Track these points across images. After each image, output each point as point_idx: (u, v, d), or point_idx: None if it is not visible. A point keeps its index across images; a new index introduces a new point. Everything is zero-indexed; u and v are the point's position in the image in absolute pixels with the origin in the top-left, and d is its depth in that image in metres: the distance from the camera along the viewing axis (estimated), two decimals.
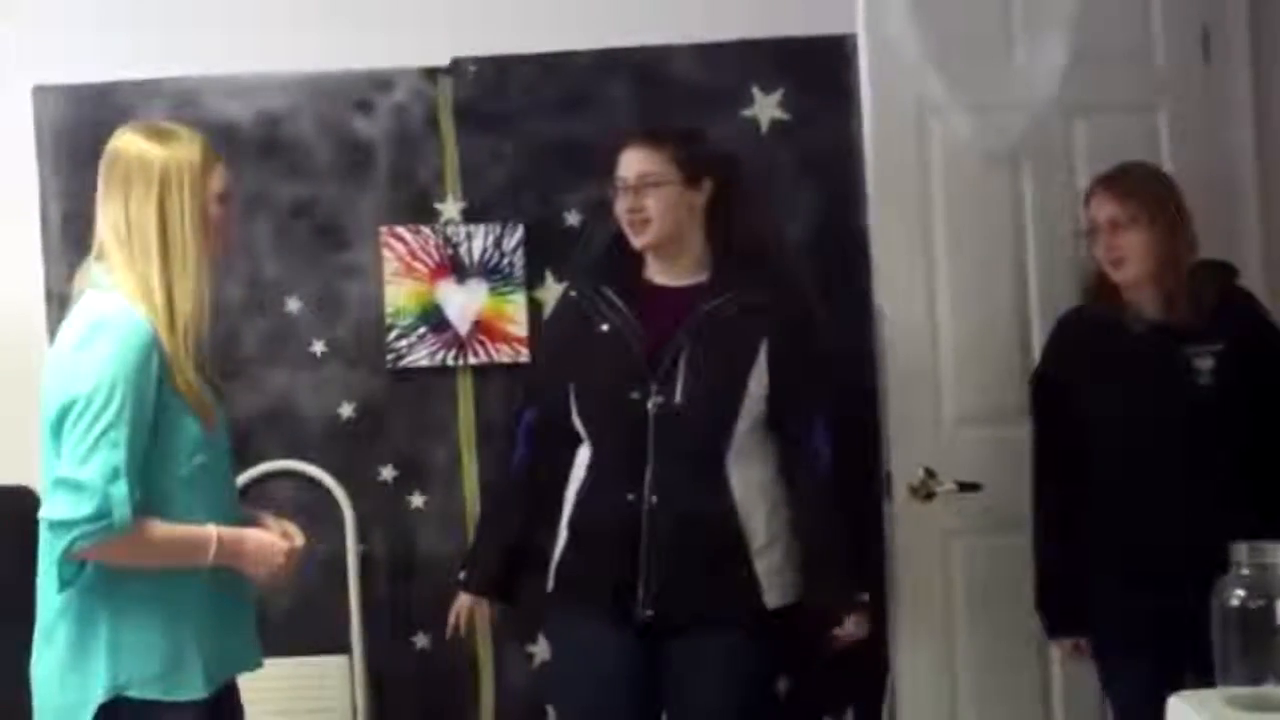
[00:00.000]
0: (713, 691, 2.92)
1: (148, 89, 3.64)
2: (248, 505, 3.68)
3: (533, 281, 3.66)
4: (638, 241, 3.02)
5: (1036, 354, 3.27)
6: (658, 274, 3.06)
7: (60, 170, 3.64)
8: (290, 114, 3.66)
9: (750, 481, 2.94)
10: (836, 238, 3.60)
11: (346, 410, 3.66)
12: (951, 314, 3.27)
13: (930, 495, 3.20)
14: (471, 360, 3.65)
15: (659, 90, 3.66)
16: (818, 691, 3.66)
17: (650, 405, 2.91)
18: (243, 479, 3.62)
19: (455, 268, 3.64)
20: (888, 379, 3.28)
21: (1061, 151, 3.34)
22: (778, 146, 3.66)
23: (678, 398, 2.91)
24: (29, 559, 2.46)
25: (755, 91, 3.67)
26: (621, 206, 3.04)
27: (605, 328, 3.00)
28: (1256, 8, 3.48)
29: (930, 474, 3.21)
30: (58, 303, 3.62)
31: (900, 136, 3.25)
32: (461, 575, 3.16)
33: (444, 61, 3.68)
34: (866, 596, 2.99)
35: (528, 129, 3.66)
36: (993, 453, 3.25)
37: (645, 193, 2.98)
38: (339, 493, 3.62)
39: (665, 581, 2.90)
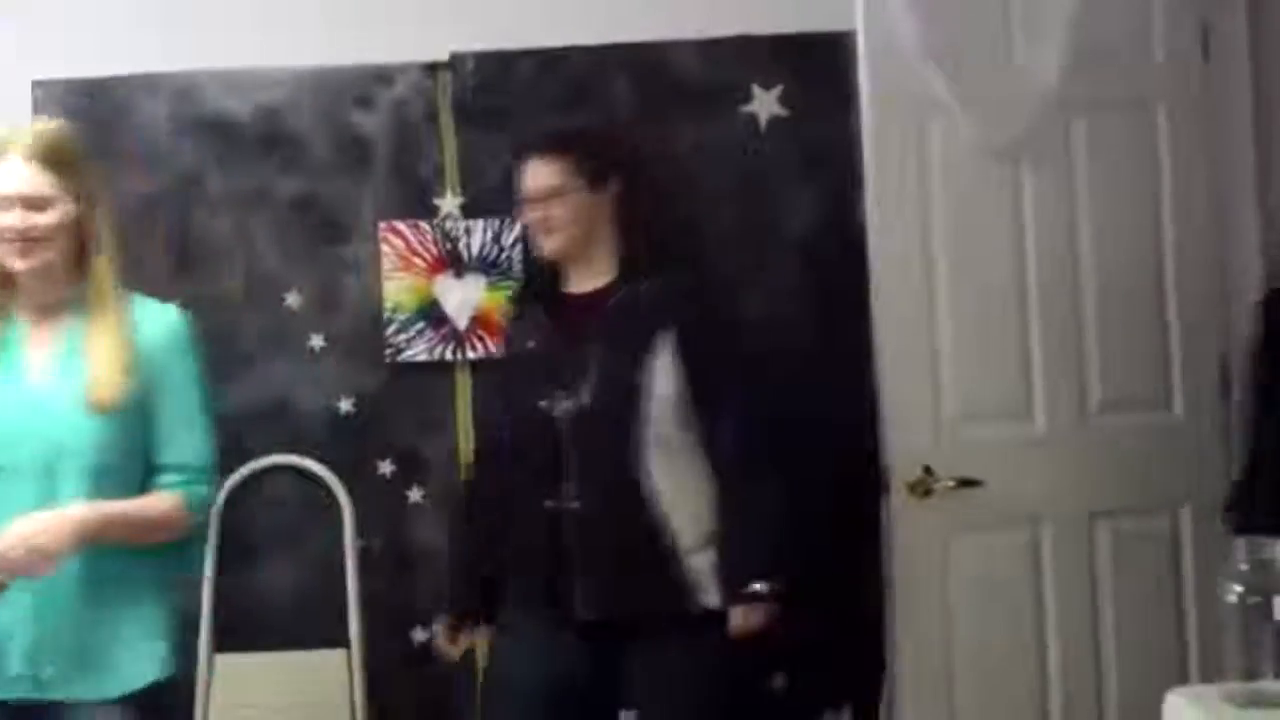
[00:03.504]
0: (663, 692, 2.92)
1: (147, 83, 3.63)
2: (247, 500, 3.72)
3: None
4: (545, 250, 3.03)
5: (1035, 350, 3.28)
6: (574, 281, 3.05)
7: None
8: (289, 108, 3.66)
9: (674, 480, 2.92)
10: (835, 234, 3.60)
11: (345, 405, 3.66)
12: (950, 310, 3.27)
13: (929, 492, 3.20)
14: (470, 355, 3.65)
15: (658, 86, 3.66)
16: (815, 687, 3.66)
17: (560, 411, 2.92)
18: (241, 474, 3.63)
19: (454, 263, 3.64)
20: (886, 375, 3.28)
21: (1061, 149, 3.34)
22: (777, 143, 3.66)
23: (586, 401, 2.91)
24: None
25: (755, 87, 3.66)
26: (527, 218, 3.06)
27: (531, 344, 3.04)
28: (1256, 6, 3.49)
29: (929, 471, 3.21)
30: None
31: (900, 133, 3.25)
32: None
33: (444, 56, 3.67)
34: (760, 587, 2.90)
35: (527, 124, 3.66)
36: (991, 449, 3.25)
37: (550, 204, 2.99)
38: (337, 487, 3.62)
39: (597, 584, 2.90)
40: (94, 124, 3.63)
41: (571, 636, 2.94)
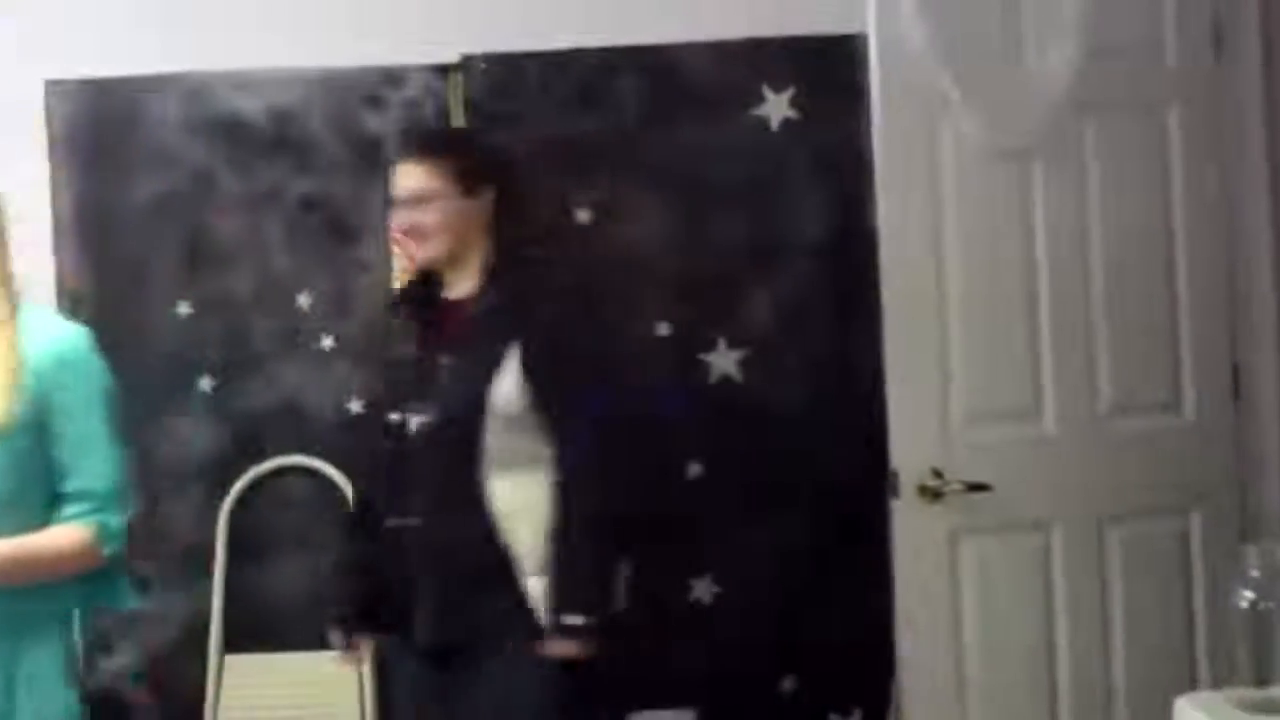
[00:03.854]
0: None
1: (159, 84, 3.64)
2: (258, 500, 3.73)
3: None
4: (415, 258, 2.96)
5: (1045, 353, 3.27)
6: (448, 289, 2.98)
7: (72, 165, 3.65)
8: (301, 109, 3.66)
9: (516, 497, 2.82)
10: (846, 236, 3.60)
11: (355, 405, 3.67)
12: (960, 312, 3.26)
13: (938, 495, 3.20)
14: None
15: (669, 88, 3.66)
16: (824, 691, 3.66)
17: (409, 426, 2.85)
18: (252, 474, 3.63)
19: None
20: (895, 378, 3.27)
21: (1072, 150, 3.33)
22: (788, 145, 3.66)
23: (434, 415, 2.84)
24: None
25: (765, 90, 3.67)
26: (397, 223, 2.99)
27: (402, 352, 2.98)
28: (1268, 7, 3.47)
29: (938, 474, 3.20)
30: (69, 298, 3.63)
31: (910, 135, 3.24)
32: None
33: (454, 58, 3.68)
34: (576, 620, 2.77)
35: (538, 126, 3.66)
36: (1001, 453, 3.24)
37: (421, 209, 2.91)
38: (348, 488, 3.63)
39: (434, 608, 2.82)
40: (106, 124, 3.66)
41: (415, 660, 2.90)
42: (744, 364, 3.69)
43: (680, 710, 3.64)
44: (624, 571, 2.93)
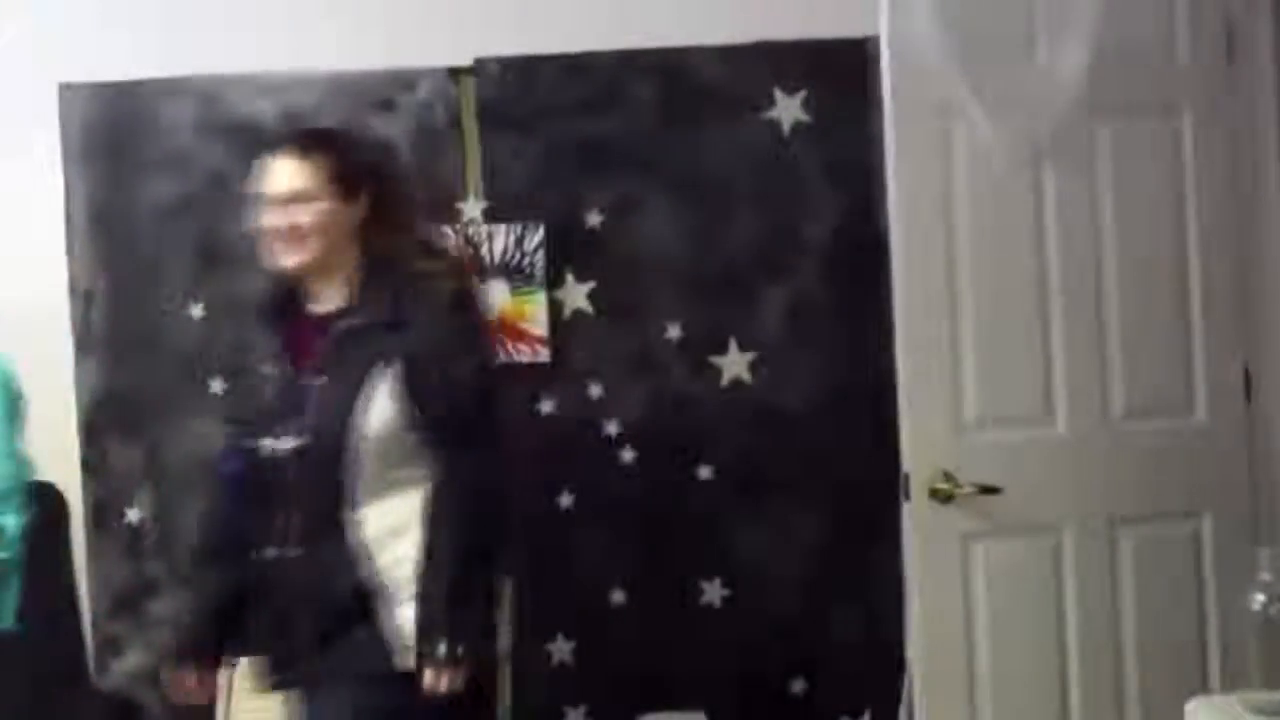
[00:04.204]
0: None
1: (172, 87, 3.66)
2: None
3: (553, 281, 3.67)
4: (286, 263, 2.70)
5: (1058, 355, 3.26)
6: (313, 301, 2.74)
7: (86, 167, 3.67)
8: (314, 112, 3.67)
9: (387, 525, 2.62)
10: (857, 239, 3.60)
11: None
12: (972, 315, 3.26)
13: (949, 497, 3.19)
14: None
15: (681, 91, 3.67)
16: (834, 693, 3.66)
17: (276, 450, 2.64)
18: None
19: (476, 267, 3.65)
20: (907, 380, 3.26)
21: (1085, 152, 3.32)
22: (800, 148, 3.67)
23: (303, 438, 2.62)
24: (57, 553, 2.40)
25: (777, 93, 3.67)
26: (268, 224, 2.71)
27: (265, 370, 2.74)
28: None
29: (949, 476, 3.20)
30: (83, 299, 3.65)
31: (922, 138, 3.24)
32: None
33: (467, 61, 3.69)
34: (442, 649, 2.57)
35: (550, 129, 3.67)
36: (1013, 455, 3.23)
37: (299, 209, 2.67)
38: None
39: (299, 641, 2.64)
40: (120, 127, 3.67)
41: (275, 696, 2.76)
42: (755, 366, 3.70)
43: (691, 712, 3.64)
44: (503, 601, 2.78)
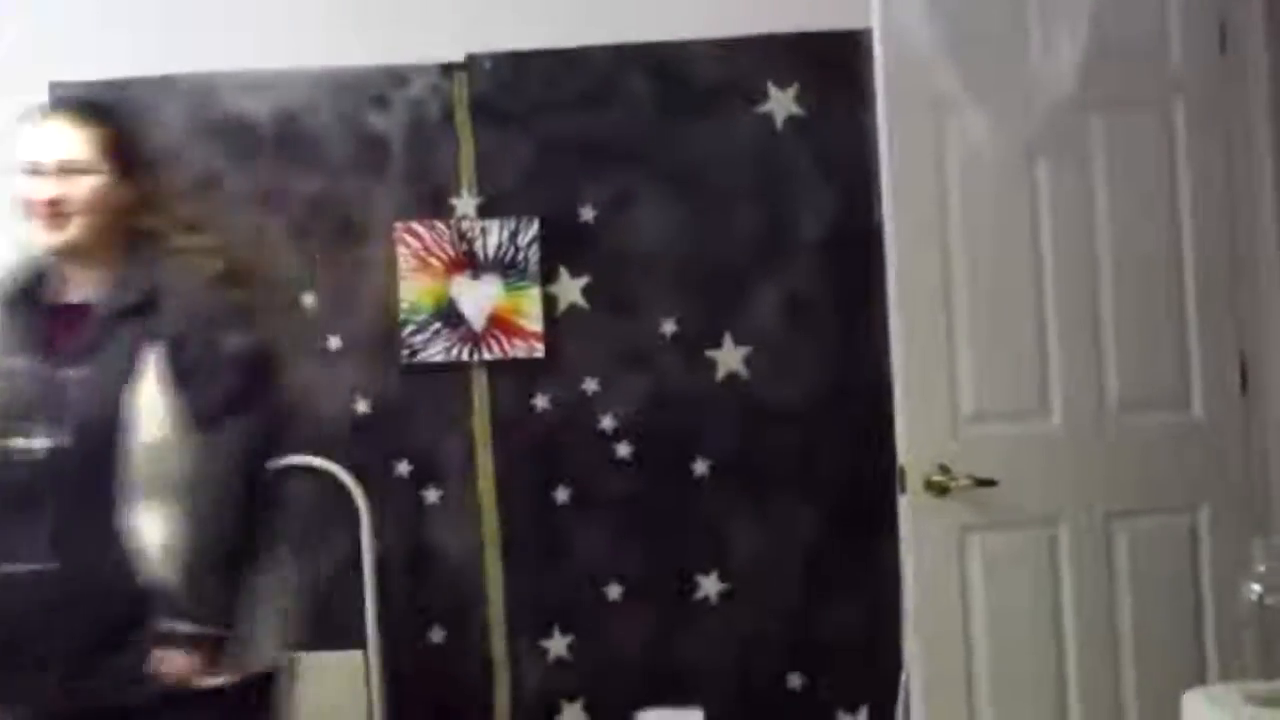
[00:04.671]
0: None
1: (164, 85, 3.65)
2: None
3: (548, 276, 3.66)
4: (50, 240, 2.48)
5: (1053, 349, 3.26)
6: (74, 286, 2.52)
7: None
8: (307, 109, 3.67)
9: (162, 528, 2.40)
10: (851, 233, 3.61)
11: (361, 406, 3.67)
12: (967, 309, 3.26)
13: (945, 491, 3.19)
14: (486, 355, 3.66)
15: (674, 85, 3.67)
16: (832, 689, 3.66)
17: (37, 450, 2.39)
18: None
19: (470, 263, 3.65)
20: (902, 374, 3.27)
21: (1078, 146, 3.32)
22: (793, 142, 3.67)
23: (61, 437, 2.39)
24: None
25: (771, 87, 3.67)
26: (32, 195, 2.46)
27: (14, 363, 2.47)
28: (1273, 2, 3.46)
29: (945, 470, 3.20)
30: None
31: (916, 132, 3.24)
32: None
33: (460, 57, 3.68)
34: (182, 628, 2.37)
35: (543, 124, 3.67)
36: (1009, 449, 3.24)
37: (66, 181, 2.45)
38: (354, 488, 3.63)
39: (67, 667, 2.39)
40: (111, 125, 3.65)
41: None
42: (750, 360, 3.70)
43: (688, 708, 3.64)
44: (274, 599, 2.58)
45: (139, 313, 2.45)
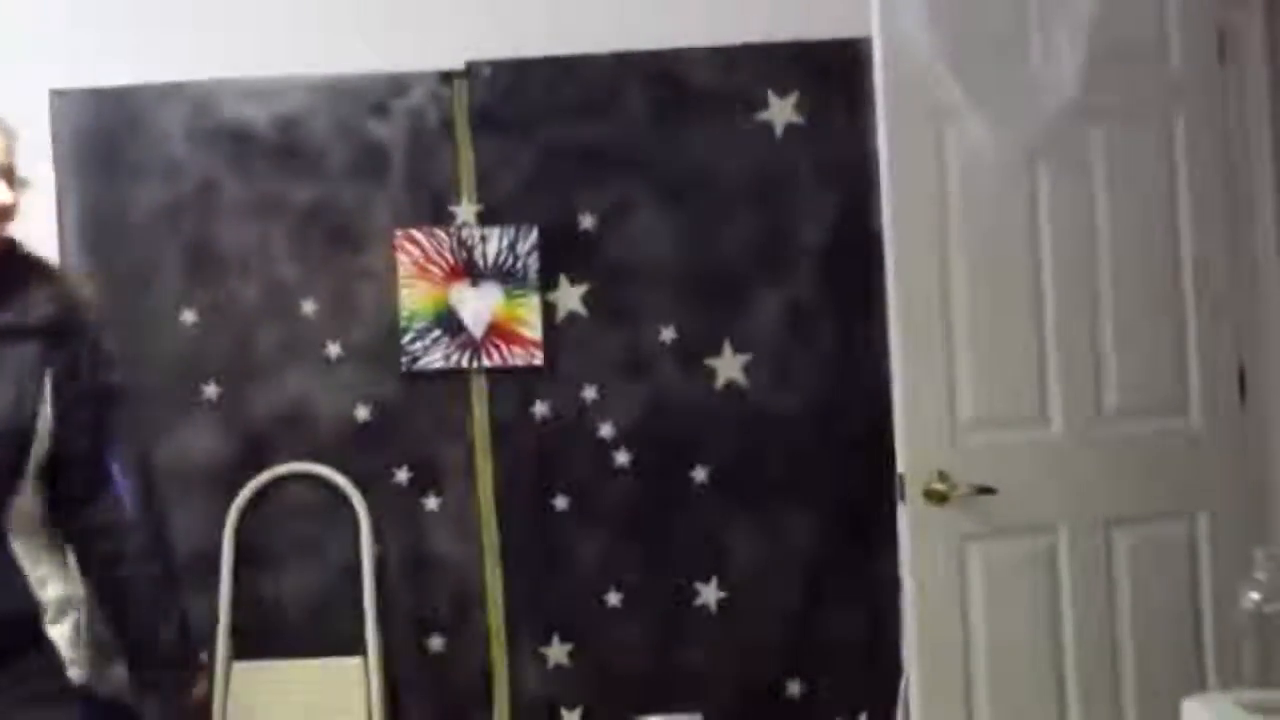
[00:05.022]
0: None
1: (164, 92, 3.65)
2: (264, 508, 3.73)
3: (547, 284, 3.67)
4: None
5: (1052, 356, 3.26)
6: None
7: (77, 174, 3.66)
8: (306, 117, 3.67)
9: (38, 541, 2.38)
10: (851, 240, 3.61)
11: (361, 413, 3.67)
12: (966, 316, 3.26)
13: (944, 498, 3.19)
14: (485, 363, 3.66)
15: (674, 94, 3.67)
16: (831, 695, 3.66)
17: None
18: (258, 482, 3.64)
19: (470, 271, 3.65)
20: (902, 381, 3.27)
21: (1078, 154, 3.32)
22: (793, 150, 3.67)
23: None
24: None
25: (770, 95, 3.67)
26: None
27: None
28: (1272, 9, 3.47)
29: (944, 477, 3.20)
30: None
31: (916, 140, 3.24)
32: None
33: (459, 65, 3.68)
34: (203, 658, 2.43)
35: (543, 132, 3.67)
36: (1008, 456, 3.23)
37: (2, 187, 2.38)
38: (354, 495, 3.63)
39: None
40: (111, 132, 3.66)
41: None
42: (749, 368, 3.70)
43: (687, 715, 3.64)
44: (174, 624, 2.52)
45: (35, 331, 2.37)
